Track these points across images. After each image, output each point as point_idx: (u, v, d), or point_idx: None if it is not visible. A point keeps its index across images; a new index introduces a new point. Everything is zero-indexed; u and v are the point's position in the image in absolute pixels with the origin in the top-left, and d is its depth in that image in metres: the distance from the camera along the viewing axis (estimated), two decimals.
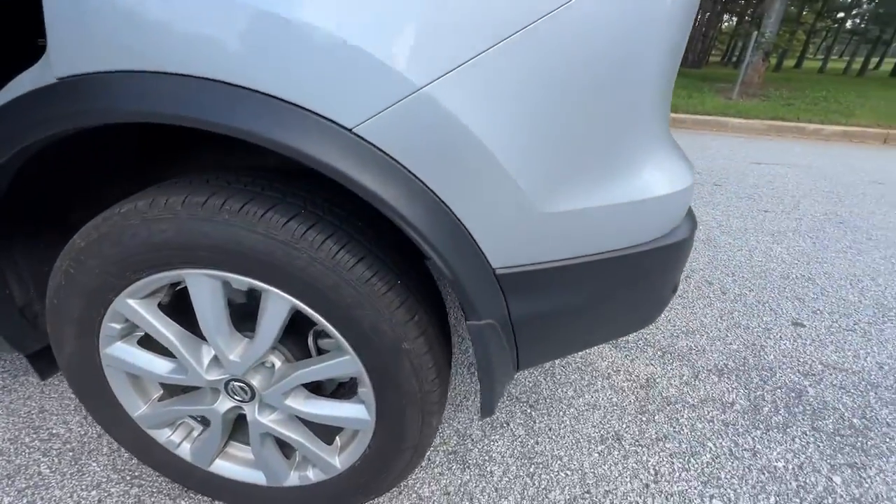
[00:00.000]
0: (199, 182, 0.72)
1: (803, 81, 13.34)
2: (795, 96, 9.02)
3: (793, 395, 1.43)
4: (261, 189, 0.71)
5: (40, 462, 1.11)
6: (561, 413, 1.33)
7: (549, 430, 1.27)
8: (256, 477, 0.95)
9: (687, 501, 1.08)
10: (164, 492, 1.05)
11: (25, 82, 0.62)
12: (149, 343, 0.85)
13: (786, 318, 1.84)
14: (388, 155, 0.60)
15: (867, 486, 1.14)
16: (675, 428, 1.29)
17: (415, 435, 0.82)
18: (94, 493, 1.04)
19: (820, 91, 10.18)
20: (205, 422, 0.98)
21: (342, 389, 1.01)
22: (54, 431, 1.20)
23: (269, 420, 0.87)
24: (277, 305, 0.72)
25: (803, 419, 1.34)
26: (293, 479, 0.94)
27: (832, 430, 1.30)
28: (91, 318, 0.78)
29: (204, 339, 0.83)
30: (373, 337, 0.72)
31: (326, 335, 0.90)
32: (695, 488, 1.12)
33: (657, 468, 1.17)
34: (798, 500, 1.09)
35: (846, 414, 1.36)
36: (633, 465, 1.18)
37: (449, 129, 0.59)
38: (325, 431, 0.92)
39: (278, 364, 0.84)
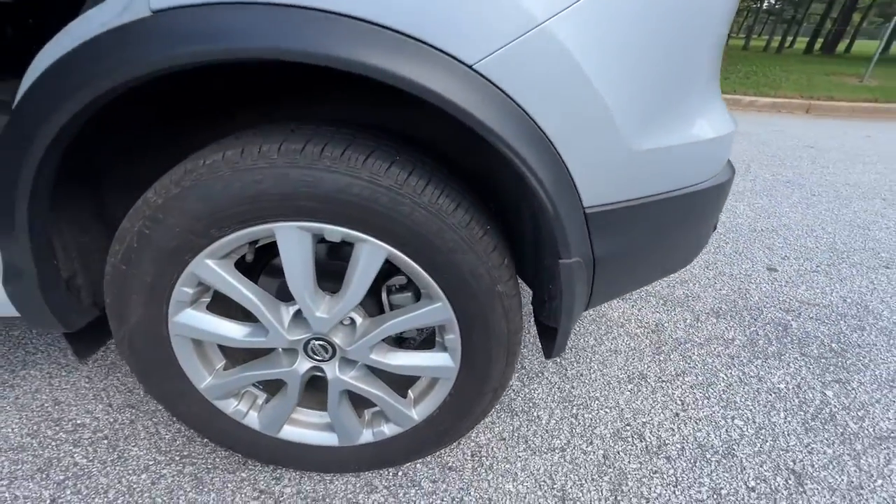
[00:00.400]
0: (284, 130, 0.69)
1: (733, 57, 14.28)
2: (730, 71, 9.67)
3: (780, 328, 1.61)
4: (352, 136, 0.70)
5: (73, 453, 1.04)
6: (588, 360, 1.42)
7: (581, 375, 1.35)
8: (328, 439, 0.95)
9: (714, 423, 1.20)
10: (221, 467, 1.02)
11: (103, 17, 0.57)
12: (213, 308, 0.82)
13: (761, 265, 2.04)
14: (503, 91, 0.61)
15: (853, 396, 1.32)
16: (689, 364, 1.42)
17: (498, 377, 0.85)
18: (143, 476, 0.99)
19: (749, 66, 10.97)
20: (268, 389, 0.96)
21: (407, 344, 1.02)
22: (79, 422, 1.12)
23: (349, 377, 0.86)
24: (372, 256, 0.72)
25: (792, 348, 1.51)
26: (366, 436, 0.94)
27: (817, 355, 1.48)
28: (163, 284, 0.73)
29: (281, 299, 0.82)
30: (471, 281, 0.73)
31: (399, 290, 0.90)
32: (718, 412, 1.24)
33: (682, 399, 1.28)
34: (802, 413, 1.25)
35: (825, 340, 1.55)
36: (662, 398, 1.28)
37: (562, 65, 0.61)
38: (397, 386, 0.93)
39: (359, 320, 0.84)
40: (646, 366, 1.40)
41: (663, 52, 0.68)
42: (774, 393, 1.32)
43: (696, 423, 1.21)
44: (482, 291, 0.75)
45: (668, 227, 0.84)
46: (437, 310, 0.77)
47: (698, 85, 0.76)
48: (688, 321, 1.63)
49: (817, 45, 22.28)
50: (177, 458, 1.04)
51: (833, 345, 1.53)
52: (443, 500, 0.98)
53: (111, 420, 1.13)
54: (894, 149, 4.39)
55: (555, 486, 1.02)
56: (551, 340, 0.90)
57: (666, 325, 1.60)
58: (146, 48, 0.54)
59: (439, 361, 0.84)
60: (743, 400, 1.29)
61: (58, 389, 1.21)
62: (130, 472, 1.00)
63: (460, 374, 0.85)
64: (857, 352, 1.50)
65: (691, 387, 1.33)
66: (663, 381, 1.35)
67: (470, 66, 0.59)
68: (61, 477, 0.98)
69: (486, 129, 0.60)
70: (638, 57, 0.65)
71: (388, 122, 0.93)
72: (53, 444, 1.06)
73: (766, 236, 2.34)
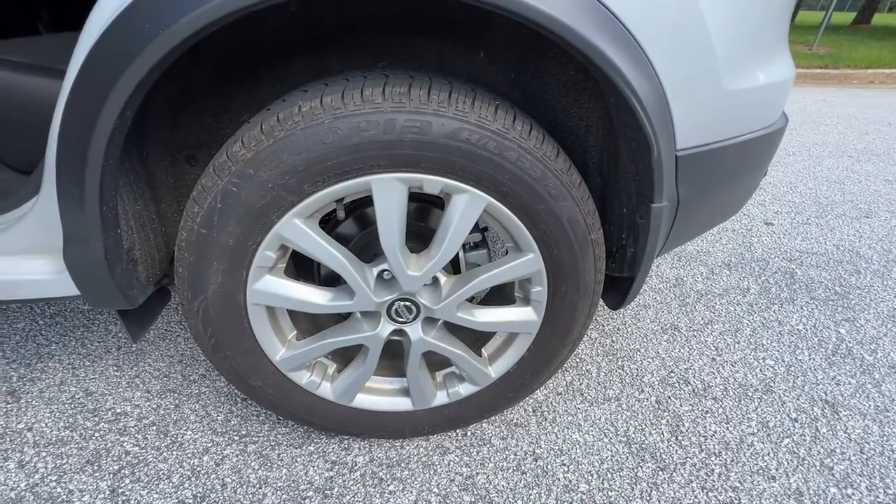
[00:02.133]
0: (377, 76, 0.65)
1: None
2: None
3: (787, 276, 1.70)
4: (448, 82, 0.66)
5: (122, 442, 0.97)
6: (621, 315, 1.45)
7: (618, 330, 1.39)
8: (402, 404, 0.93)
9: (748, 365, 1.27)
10: (285, 443, 0.99)
11: None
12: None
13: (758, 220, 2.14)
14: (625, 27, 0.59)
15: (863, 332, 1.42)
16: (715, 313, 1.48)
17: (579, 328, 0.86)
18: (205, 458, 0.95)
19: None
20: (338, 358, 0.93)
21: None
22: (119, 410, 1.05)
23: (432, 337, 0.84)
24: (471, 208, 0.69)
25: (802, 293, 1.61)
26: (441, 398, 0.93)
27: (825, 298, 1.58)
28: (246, 247, 0.68)
29: (364, 260, 0.78)
30: (568, 229, 0.72)
31: (474, 247, 0.88)
32: (749, 355, 1.31)
33: (715, 345, 1.34)
34: (823, 350, 1.34)
35: (829, 284, 1.66)
36: (696, 345, 1.34)
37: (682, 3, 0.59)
38: (470, 345, 0.92)
39: (443, 279, 0.81)
40: (675, 317, 1.46)
41: None
42: (795, 334, 1.40)
43: (732, 365, 1.27)
44: (578, 240, 0.74)
45: (740, 170, 0.86)
46: (528, 261, 0.76)
47: (781, 25, 0.76)
48: (704, 274, 1.69)
49: None
50: (236, 438, 0.99)
51: (836, 288, 1.64)
52: (516, 455, 0.99)
53: (154, 406, 1.06)
54: (849, 111, 4.66)
55: (618, 433, 1.05)
56: (621, 291, 0.91)
57: (685, 279, 1.66)
58: None
59: (524, 316, 0.83)
60: (769, 342, 1.36)
61: (86, 380, 1.12)
62: (190, 455, 0.95)
63: (542, 329, 0.85)
64: (858, 293, 1.61)
65: (721, 333, 1.39)
66: (694, 330, 1.40)
67: None
68: (115, 466, 0.92)
69: (611, 66, 0.58)
70: None
71: (446, 71, 0.88)
72: (97, 434, 0.99)
73: (756, 193, 2.45)
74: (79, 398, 1.07)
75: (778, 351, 1.33)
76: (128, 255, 0.73)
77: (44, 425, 1.00)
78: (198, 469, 0.93)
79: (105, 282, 0.69)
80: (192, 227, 0.66)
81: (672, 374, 1.23)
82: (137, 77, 0.52)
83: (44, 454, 0.94)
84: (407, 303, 0.79)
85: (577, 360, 1.27)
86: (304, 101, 0.61)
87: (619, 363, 1.26)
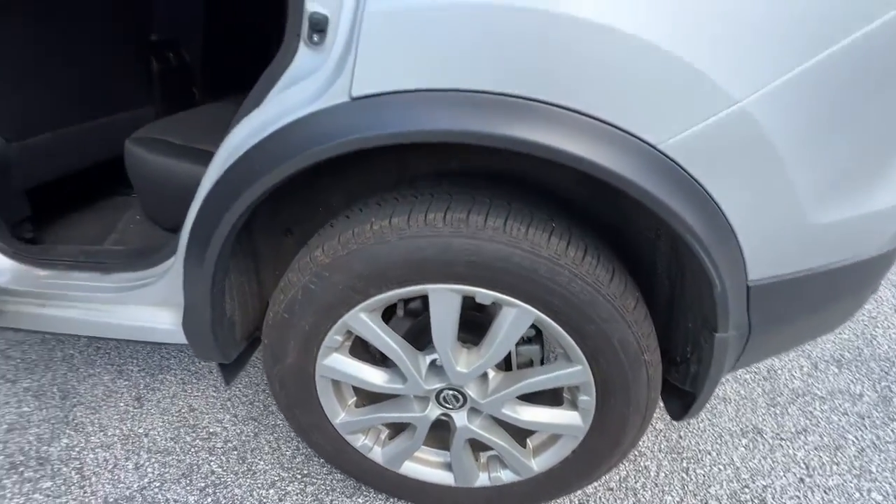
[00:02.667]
0: (441, 196, 0.71)
1: None
2: None
3: None
4: (507, 203, 0.70)
5: (210, 461, 1.14)
6: None
7: (688, 424, 1.29)
8: (444, 478, 0.97)
9: (847, 495, 1.10)
10: (339, 490, 1.08)
11: (302, 101, 0.61)
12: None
13: (888, 306, 1.83)
14: (688, 173, 0.58)
15: None
16: (811, 421, 1.30)
17: (629, 441, 0.83)
18: (271, 492, 1.08)
19: None
20: (389, 426, 1.00)
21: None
22: (211, 430, 1.23)
23: (476, 426, 0.88)
24: (520, 321, 0.72)
25: None
26: (482, 480, 0.96)
27: None
28: (319, 332, 0.78)
29: (418, 349, 0.85)
30: (618, 349, 0.72)
31: (527, 342, 0.91)
32: (850, 482, 1.13)
33: (806, 462, 1.18)
34: None
35: None
36: (782, 458, 1.19)
37: (754, 146, 0.57)
38: (515, 434, 0.93)
39: (492, 374, 0.85)
40: (760, 418, 1.31)
41: (858, 126, 0.62)
42: None
43: (825, 492, 1.11)
44: (629, 360, 0.73)
45: (829, 298, 0.78)
46: (576, 373, 0.76)
47: (886, 154, 0.69)
48: (805, 369, 1.49)
49: None
50: (299, 477, 1.11)
51: None
52: None
53: (238, 431, 1.23)
54: None
55: None
56: (683, 404, 0.87)
57: (780, 372, 1.48)
58: (348, 131, 0.58)
59: (569, 420, 0.83)
60: (879, 470, 1.16)
61: (191, 396, 1.33)
62: (259, 485, 1.09)
63: (590, 435, 0.83)
64: None
65: (816, 448, 1.22)
66: (782, 438, 1.25)
67: (655, 147, 0.57)
68: (202, 484, 1.09)
69: (668, 211, 0.58)
70: (831, 133, 0.60)
71: (516, 171, 0.92)
72: (192, 450, 1.17)
73: (892, 271, 2.09)
74: (184, 413, 1.28)
75: (890, 483, 1.13)
76: (228, 319, 0.87)
77: (156, 433, 1.21)
78: (264, 501, 1.05)
79: (209, 343, 0.84)
80: (278, 311, 0.78)
81: (746, 490, 1.11)
82: (252, 198, 0.65)
83: (153, 460, 1.14)
84: (454, 392, 0.84)
85: (637, 453, 1.20)
86: (376, 217, 0.70)
87: (684, 465, 1.17)
